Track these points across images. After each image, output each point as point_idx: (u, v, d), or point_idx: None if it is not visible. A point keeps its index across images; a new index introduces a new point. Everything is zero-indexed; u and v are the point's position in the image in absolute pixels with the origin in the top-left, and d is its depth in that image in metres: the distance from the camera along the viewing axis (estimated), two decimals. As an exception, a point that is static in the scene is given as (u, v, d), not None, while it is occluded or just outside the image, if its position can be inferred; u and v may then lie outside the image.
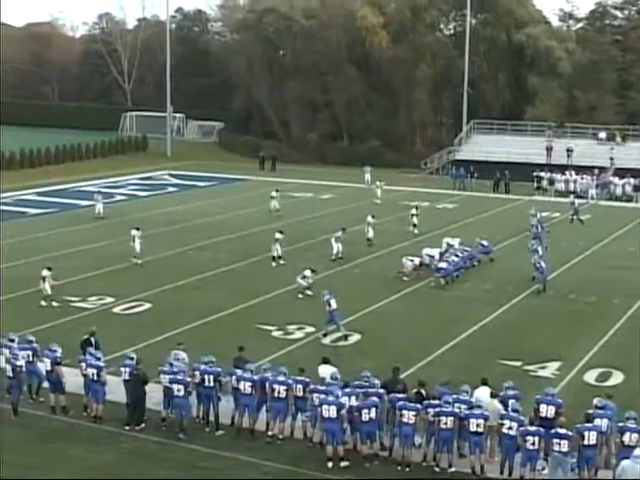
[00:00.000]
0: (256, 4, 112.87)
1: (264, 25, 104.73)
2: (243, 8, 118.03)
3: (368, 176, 78.57)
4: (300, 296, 41.45)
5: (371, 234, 53.51)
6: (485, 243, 50.37)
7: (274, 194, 64.87)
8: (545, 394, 25.74)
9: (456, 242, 49.64)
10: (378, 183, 72.07)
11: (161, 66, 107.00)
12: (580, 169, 79.18)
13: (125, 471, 24.34)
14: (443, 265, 45.14)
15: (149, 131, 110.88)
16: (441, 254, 47.12)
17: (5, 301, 40.63)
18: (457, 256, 46.68)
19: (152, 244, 52.53)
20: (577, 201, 66.44)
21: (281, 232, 50.06)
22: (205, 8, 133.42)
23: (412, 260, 46.28)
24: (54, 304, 40.12)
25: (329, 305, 36.28)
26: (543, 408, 24.91)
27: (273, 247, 49.01)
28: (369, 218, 54.06)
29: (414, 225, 57.65)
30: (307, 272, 43.24)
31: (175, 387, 26.56)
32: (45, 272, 41.08)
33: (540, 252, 45.68)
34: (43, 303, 40.12)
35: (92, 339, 30.43)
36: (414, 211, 58.87)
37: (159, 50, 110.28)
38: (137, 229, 50.62)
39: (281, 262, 48.69)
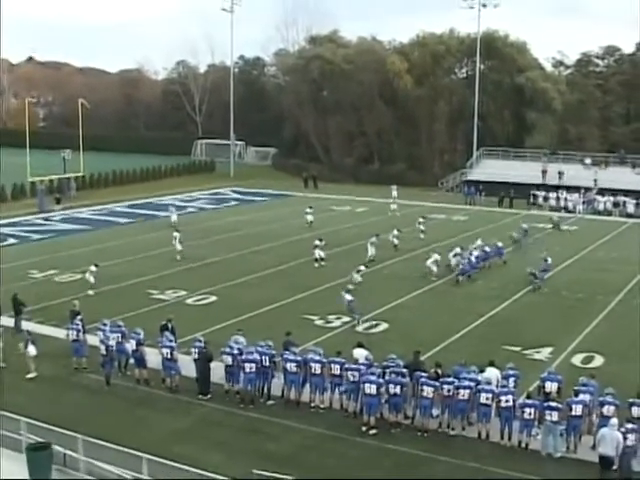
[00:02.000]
0: (304, 52, 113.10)
1: (310, 69, 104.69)
2: (294, 55, 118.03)
3: (395, 193, 78.25)
4: (350, 287, 40.00)
5: (397, 242, 53.30)
6: (500, 244, 50.33)
7: (308, 210, 64.69)
8: (548, 373, 25.89)
9: (478, 243, 50.09)
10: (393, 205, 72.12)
11: (226, 102, 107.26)
12: (570, 189, 78.91)
13: (196, 434, 24.56)
14: (461, 264, 45.50)
15: (216, 156, 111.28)
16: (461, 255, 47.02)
17: (101, 293, 41.04)
18: (474, 257, 46.72)
19: (217, 248, 52.88)
20: (556, 214, 69.16)
21: (320, 239, 50.10)
22: (262, 55, 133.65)
23: (437, 263, 45.74)
24: (90, 292, 40.76)
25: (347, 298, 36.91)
26: (547, 385, 25.15)
27: (315, 251, 48.98)
28: (395, 231, 53.54)
29: (422, 231, 58.16)
30: (362, 267, 43.71)
31: (247, 365, 26.78)
32: (93, 268, 42.13)
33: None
34: (90, 292, 40.82)
35: (169, 324, 30.69)
36: (421, 219, 59.79)
37: (224, 89, 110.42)
38: (177, 231, 52.69)
39: (322, 263, 48.55)
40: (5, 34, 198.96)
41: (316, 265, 48.52)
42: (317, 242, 49.72)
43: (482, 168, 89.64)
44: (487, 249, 49.25)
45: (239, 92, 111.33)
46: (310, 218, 64.16)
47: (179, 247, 50.64)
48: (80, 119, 78.17)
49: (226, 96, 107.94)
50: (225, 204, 78.21)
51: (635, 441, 22.18)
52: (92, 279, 41.58)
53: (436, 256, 46.03)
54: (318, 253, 49.05)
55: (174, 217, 62.98)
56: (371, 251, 49.71)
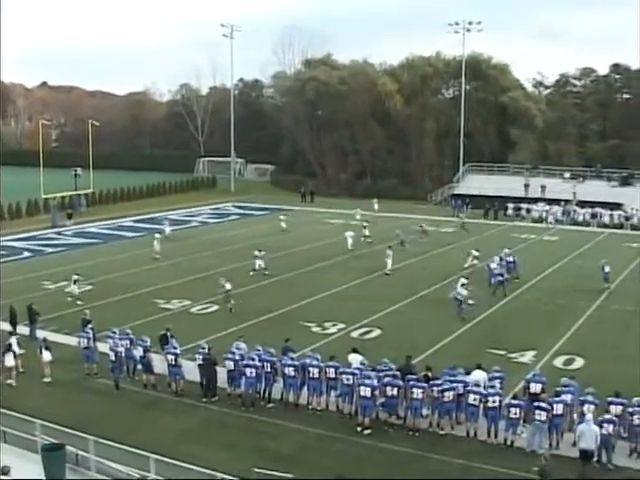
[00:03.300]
0: (300, 74, 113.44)
1: (306, 90, 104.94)
2: (290, 77, 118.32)
3: (376, 206, 79.46)
4: (471, 302, 39.59)
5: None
6: (510, 259, 48.42)
7: (282, 217, 68.54)
8: (533, 375, 26.02)
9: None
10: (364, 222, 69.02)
11: (227, 122, 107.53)
12: (550, 201, 79.11)
13: (200, 434, 24.58)
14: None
15: (217, 172, 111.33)
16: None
17: (109, 303, 41.04)
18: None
19: (219, 259, 52.87)
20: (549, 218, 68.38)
21: (260, 250, 49.90)
22: (261, 78, 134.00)
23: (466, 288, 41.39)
24: (79, 302, 40.56)
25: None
26: (532, 386, 25.27)
27: (255, 261, 48.83)
28: (388, 251, 50.69)
29: (365, 236, 60.29)
30: (463, 280, 41.62)
31: (248, 370, 26.86)
32: (75, 277, 42.21)
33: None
34: (77, 302, 40.70)
35: (168, 334, 30.63)
36: (365, 224, 62.73)
37: (225, 110, 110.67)
38: (159, 233, 56.81)
39: (266, 272, 48.21)
40: (20, 61, 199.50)
41: (251, 274, 48.12)
42: (257, 253, 49.50)
43: (468, 182, 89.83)
44: (510, 258, 48.24)
45: (239, 112, 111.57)
46: (284, 225, 66.62)
47: (158, 249, 54.07)
48: (90, 139, 78.29)
49: (227, 116, 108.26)
50: (226, 218, 78.22)
51: (611, 432, 22.56)
52: (77, 290, 41.67)
53: (463, 280, 42.00)
54: (258, 264, 48.74)
55: (168, 230, 63.44)
56: (389, 263, 49.21)
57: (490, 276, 45.15)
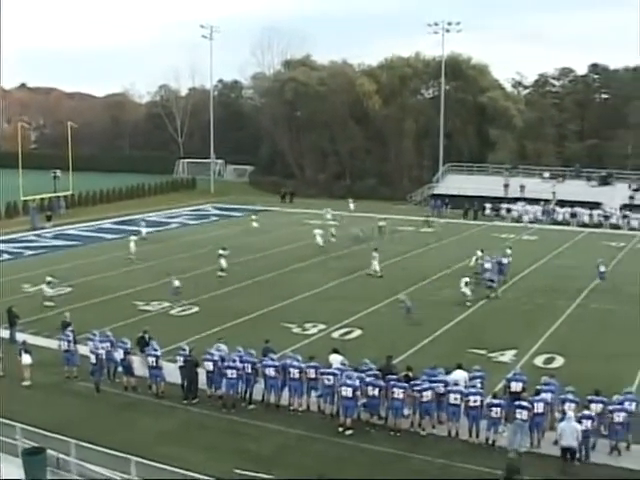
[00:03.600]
0: (279, 75, 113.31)
1: (285, 91, 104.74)
2: (269, 78, 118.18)
3: (352, 206, 79.87)
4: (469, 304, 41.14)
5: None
6: (504, 261, 48.11)
7: (254, 217, 70.34)
8: (514, 374, 26.12)
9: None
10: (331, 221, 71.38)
11: (206, 123, 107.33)
12: (530, 201, 79.50)
13: (181, 436, 24.54)
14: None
15: (197, 174, 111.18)
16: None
17: (89, 305, 40.87)
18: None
19: (199, 261, 52.75)
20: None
21: (224, 248, 50.23)
22: (240, 79, 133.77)
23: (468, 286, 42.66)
24: (49, 304, 40.50)
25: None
26: (513, 384, 25.35)
27: (220, 260, 48.89)
28: (374, 253, 50.32)
29: (333, 235, 61.16)
30: (466, 279, 42.78)
31: (229, 371, 26.85)
32: (49, 278, 42.12)
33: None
34: (47, 303, 40.62)
35: (145, 336, 30.55)
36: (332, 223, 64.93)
37: (204, 111, 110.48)
38: (135, 234, 57.53)
39: (222, 274, 48.24)
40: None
41: (220, 274, 48.26)
42: (221, 251, 49.62)
43: (448, 182, 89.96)
44: (504, 261, 48.05)
45: (218, 114, 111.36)
46: (255, 224, 67.77)
47: (133, 250, 54.54)
48: (69, 141, 78.00)
49: (206, 117, 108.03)
50: (206, 219, 78.04)
51: (590, 427, 22.77)
52: (50, 291, 41.53)
53: (466, 279, 42.99)
54: (222, 262, 48.81)
55: (144, 231, 63.60)
56: (374, 265, 48.95)
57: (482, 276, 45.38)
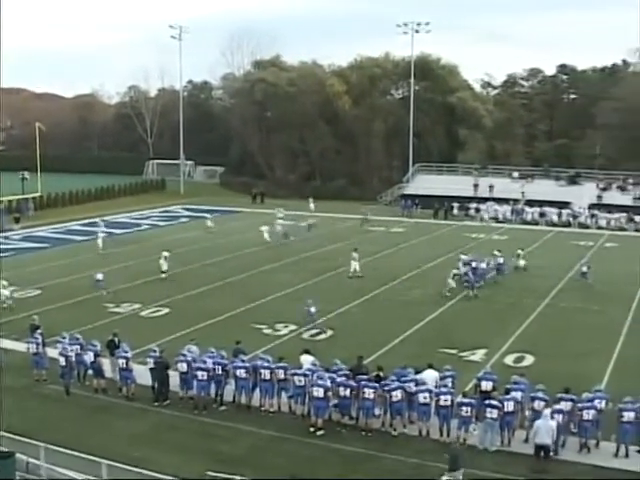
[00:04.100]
0: (249, 75, 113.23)
1: (255, 92, 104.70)
2: (239, 79, 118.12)
3: (312, 205, 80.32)
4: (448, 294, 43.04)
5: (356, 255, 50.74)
6: (501, 260, 48.75)
7: (209, 216, 72.08)
8: (484, 373, 26.26)
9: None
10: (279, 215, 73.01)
11: (176, 124, 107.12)
12: (499, 201, 79.95)
13: (153, 438, 24.46)
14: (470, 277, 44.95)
15: (166, 175, 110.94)
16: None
17: (58, 308, 40.61)
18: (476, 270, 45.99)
19: (170, 262, 52.50)
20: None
21: (168, 250, 50.60)
22: (210, 79, 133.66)
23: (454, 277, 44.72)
24: (5, 306, 40.36)
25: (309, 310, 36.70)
26: (483, 384, 25.45)
27: (161, 262, 48.97)
28: (354, 254, 49.87)
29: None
30: (455, 270, 45.02)
31: (199, 373, 26.79)
32: (4, 282, 41.97)
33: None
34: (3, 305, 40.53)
35: (115, 339, 30.37)
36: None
37: (174, 112, 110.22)
38: (103, 232, 59.70)
39: (163, 276, 48.25)
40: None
41: (162, 276, 48.41)
42: (165, 253, 49.77)
43: (418, 182, 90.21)
44: (500, 260, 48.61)
45: (188, 114, 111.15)
46: (210, 224, 69.05)
47: (101, 245, 57.72)
48: (37, 142, 77.46)
49: (176, 118, 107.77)
50: (176, 221, 77.76)
51: (561, 422, 23.02)
52: (7, 292, 41.41)
53: (455, 271, 45.45)
54: (163, 264, 48.83)
55: (101, 230, 63.60)
56: (353, 266, 48.74)
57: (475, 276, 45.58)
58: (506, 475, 21.75)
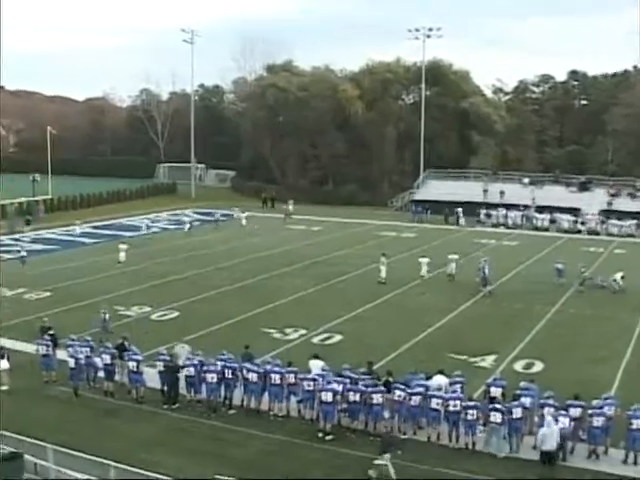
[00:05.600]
0: (261, 80, 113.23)
1: (267, 96, 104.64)
2: (251, 83, 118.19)
3: (291, 207, 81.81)
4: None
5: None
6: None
7: (187, 214, 74.04)
8: (494, 379, 26.27)
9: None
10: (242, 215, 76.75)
11: (187, 128, 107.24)
12: (510, 206, 79.79)
13: (161, 441, 24.45)
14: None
15: (178, 178, 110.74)
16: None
17: (69, 310, 40.66)
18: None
19: (180, 265, 52.66)
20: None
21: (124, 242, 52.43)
22: (221, 84, 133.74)
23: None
24: None
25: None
26: (492, 390, 25.45)
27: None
28: (382, 259, 49.54)
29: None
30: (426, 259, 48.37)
31: (209, 376, 26.80)
32: None
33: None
34: None
35: (125, 343, 30.36)
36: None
37: (185, 116, 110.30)
38: (123, 243, 57.13)
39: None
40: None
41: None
42: (121, 246, 52.34)
43: (428, 188, 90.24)
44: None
45: (199, 118, 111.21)
46: (187, 226, 70.99)
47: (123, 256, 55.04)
48: (49, 145, 77.70)
49: (187, 122, 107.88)
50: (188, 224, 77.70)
51: (568, 426, 23.06)
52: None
53: (453, 265, 48.67)
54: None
55: (78, 230, 64.56)
56: (384, 270, 48.46)
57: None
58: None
